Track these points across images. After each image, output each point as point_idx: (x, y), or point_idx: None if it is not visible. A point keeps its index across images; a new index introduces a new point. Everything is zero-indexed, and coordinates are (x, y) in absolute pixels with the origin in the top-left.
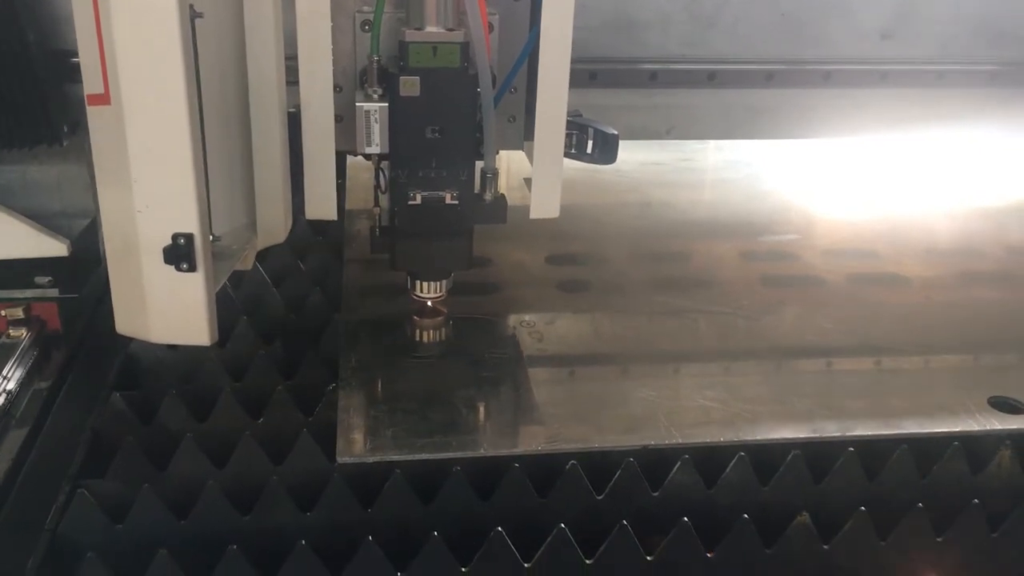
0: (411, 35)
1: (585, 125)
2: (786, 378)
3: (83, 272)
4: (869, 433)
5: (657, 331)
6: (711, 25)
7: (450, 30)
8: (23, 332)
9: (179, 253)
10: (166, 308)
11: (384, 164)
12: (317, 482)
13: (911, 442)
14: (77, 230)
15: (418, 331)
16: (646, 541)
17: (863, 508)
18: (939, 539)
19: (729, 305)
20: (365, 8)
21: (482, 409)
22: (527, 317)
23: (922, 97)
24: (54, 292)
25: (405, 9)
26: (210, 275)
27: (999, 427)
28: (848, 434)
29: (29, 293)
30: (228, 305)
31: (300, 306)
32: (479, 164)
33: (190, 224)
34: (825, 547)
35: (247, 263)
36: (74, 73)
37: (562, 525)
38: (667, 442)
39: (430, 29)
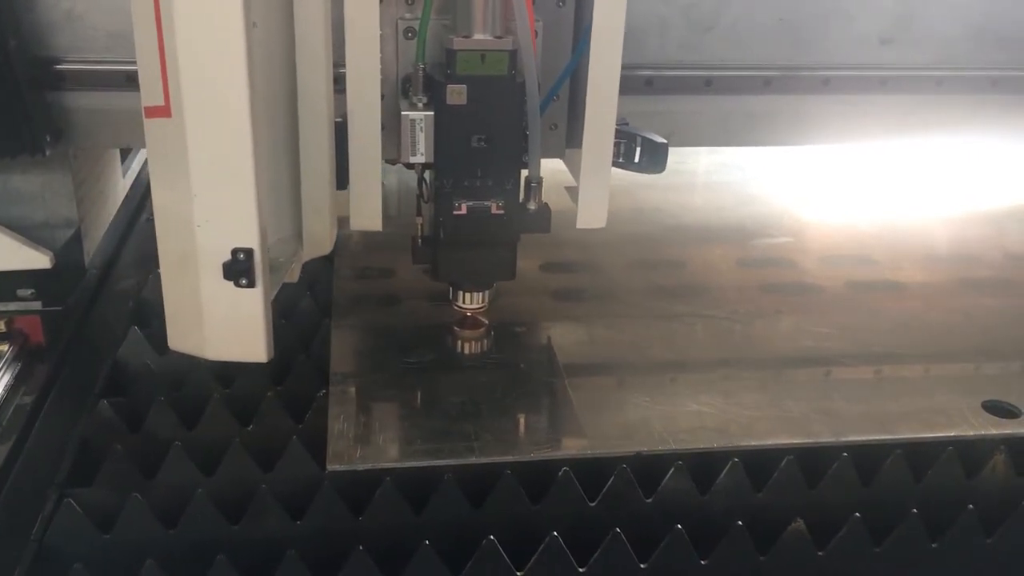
0: (459, 43)
1: (633, 134)
2: (780, 383)
3: (67, 284)
4: (863, 438)
5: (651, 336)
6: (708, 30)
7: (498, 37)
8: (6, 346)
9: (239, 268)
10: (223, 324)
11: (427, 173)
12: (307, 490)
13: (905, 447)
14: (61, 241)
15: (409, 337)
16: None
17: (857, 514)
18: (934, 544)
19: (723, 310)
20: (407, 15)
21: (474, 415)
22: (520, 323)
23: (922, 103)
24: (37, 305)
25: (452, 17)
26: (268, 291)
27: (993, 431)
28: (842, 439)
29: (12, 306)
30: None
31: (290, 312)
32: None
33: (250, 239)
34: (820, 553)
35: (293, 276)
36: (58, 81)
37: (555, 533)
38: (660, 448)
39: (478, 36)
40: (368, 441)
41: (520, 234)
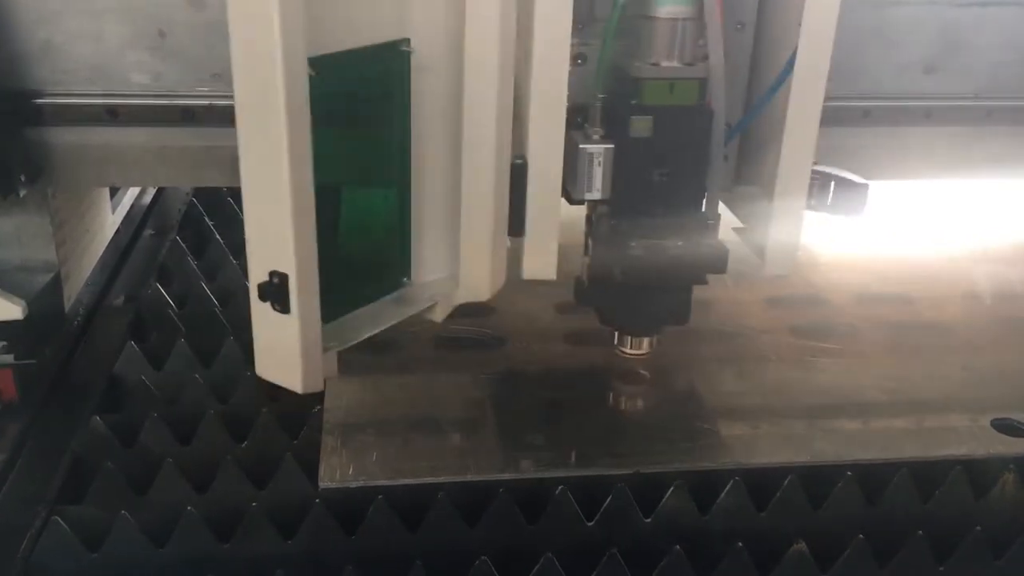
0: (645, 70)
1: (828, 174)
2: (782, 399)
3: (42, 336)
4: (868, 457)
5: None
6: None
7: (687, 64)
8: None
9: (272, 291)
10: (266, 346)
11: (596, 209)
12: (300, 508)
13: (911, 466)
14: (39, 286)
15: (406, 355)
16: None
17: (861, 535)
18: (941, 567)
19: (731, 325)
20: (575, 40)
21: (469, 433)
22: (518, 339)
23: (970, 135)
24: (8, 358)
25: (634, 42)
26: (309, 319)
27: (1002, 450)
28: (846, 458)
29: None
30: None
31: None
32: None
33: (287, 263)
34: None
35: (439, 315)
36: (36, 116)
37: (550, 553)
38: (659, 467)
39: (665, 64)
40: (361, 458)
41: (701, 276)
